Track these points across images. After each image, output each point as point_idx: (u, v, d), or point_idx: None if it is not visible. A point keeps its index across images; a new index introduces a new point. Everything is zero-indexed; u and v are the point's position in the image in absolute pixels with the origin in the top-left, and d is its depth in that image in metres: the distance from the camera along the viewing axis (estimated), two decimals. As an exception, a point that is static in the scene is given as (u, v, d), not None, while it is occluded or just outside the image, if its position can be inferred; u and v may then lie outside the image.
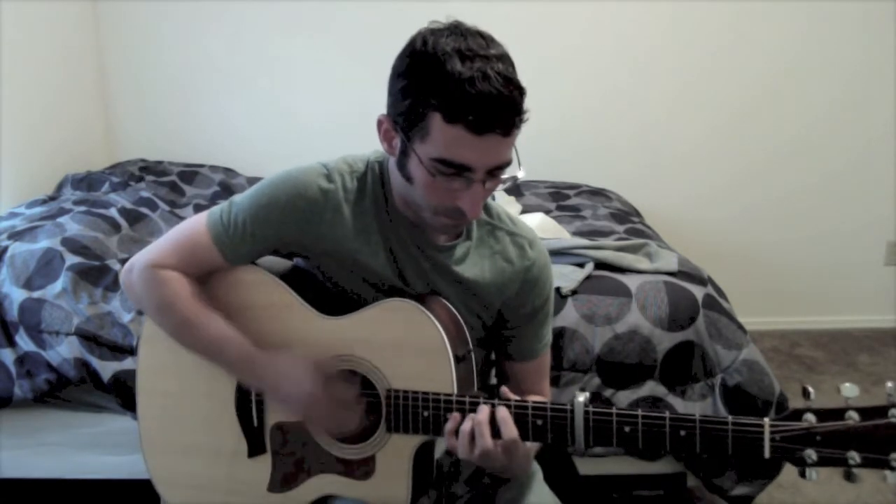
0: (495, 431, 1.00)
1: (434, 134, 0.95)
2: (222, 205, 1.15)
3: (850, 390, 0.88)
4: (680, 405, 1.76)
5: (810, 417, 0.89)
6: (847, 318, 3.32)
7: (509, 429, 0.99)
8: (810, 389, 0.91)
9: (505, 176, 1.01)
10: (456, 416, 1.03)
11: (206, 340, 1.12)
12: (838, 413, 0.88)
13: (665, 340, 1.76)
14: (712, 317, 1.80)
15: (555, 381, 1.74)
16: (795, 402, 1.82)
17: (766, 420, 0.91)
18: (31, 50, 2.53)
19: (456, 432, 1.02)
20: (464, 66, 0.91)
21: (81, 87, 2.91)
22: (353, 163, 1.15)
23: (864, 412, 0.87)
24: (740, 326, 1.83)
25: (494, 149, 0.95)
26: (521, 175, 1.04)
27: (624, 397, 1.77)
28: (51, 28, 2.67)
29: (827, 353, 3.08)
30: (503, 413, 1.00)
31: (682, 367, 1.77)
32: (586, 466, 1.77)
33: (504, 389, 1.06)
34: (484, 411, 1.01)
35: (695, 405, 1.77)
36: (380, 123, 1.04)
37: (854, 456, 0.87)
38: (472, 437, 1.00)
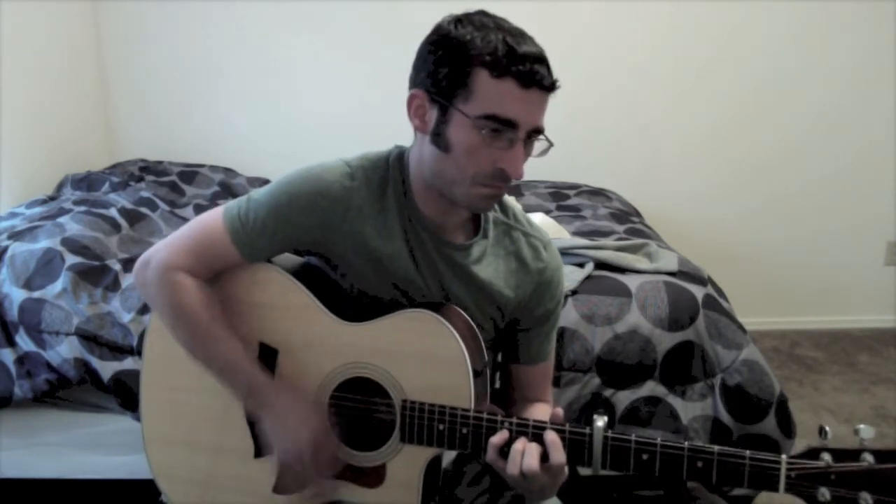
0: (543, 454, 0.99)
1: (480, 92, 0.98)
2: (239, 200, 1.12)
3: (865, 432, 0.91)
4: (680, 405, 1.76)
5: (826, 457, 0.91)
6: (847, 318, 3.32)
7: (559, 454, 0.99)
8: (827, 429, 0.93)
9: (538, 145, 1.05)
10: (504, 432, 1.02)
11: (214, 359, 1.11)
12: (854, 454, 0.90)
13: (665, 340, 1.76)
14: (712, 317, 1.80)
15: (555, 381, 1.74)
16: (796, 402, 1.83)
17: (784, 457, 0.92)
18: (31, 50, 2.53)
19: (502, 449, 1.01)
20: (502, 32, 0.98)
21: (81, 87, 2.91)
22: (376, 160, 1.13)
23: (879, 455, 0.89)
24: (740, 326, 1.83)
25: (536, 106, 1.00)
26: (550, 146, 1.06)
27: (624, 397, 1.77)
28: (51, 28, 2.67)
29: (827, 353, 3.08)
30: (553, 437, 1.00)
31: (682, 367, 1.77)
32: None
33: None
34: (534, 448, 1.00)
35: (695, 405, 1.77)
36: (411, 98, 1.04)
37: (866, 497, 0.89)
38: (522, 455, 0.99)
